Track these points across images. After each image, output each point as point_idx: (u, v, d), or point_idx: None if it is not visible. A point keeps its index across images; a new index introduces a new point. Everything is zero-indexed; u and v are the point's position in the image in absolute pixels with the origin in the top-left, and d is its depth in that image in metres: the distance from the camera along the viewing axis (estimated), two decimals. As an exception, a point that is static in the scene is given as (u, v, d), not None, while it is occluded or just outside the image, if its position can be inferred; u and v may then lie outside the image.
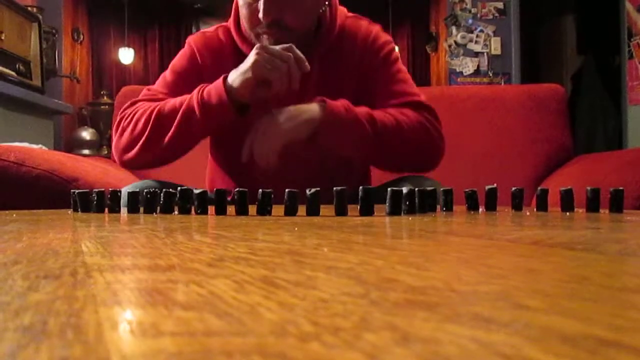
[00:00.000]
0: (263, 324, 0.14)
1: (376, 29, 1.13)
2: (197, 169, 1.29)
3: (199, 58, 1.10)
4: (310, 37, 1.06)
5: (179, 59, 1.12)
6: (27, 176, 1.15)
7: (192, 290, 0.18)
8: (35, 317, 0.14)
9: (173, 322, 0.14)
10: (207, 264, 0.24)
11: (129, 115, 1.03)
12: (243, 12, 1.02)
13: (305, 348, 0.12)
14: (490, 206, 0.71)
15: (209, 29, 1.15)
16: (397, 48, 1.20)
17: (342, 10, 1.12)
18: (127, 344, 0.12)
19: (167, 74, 1.11)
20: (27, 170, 1.15)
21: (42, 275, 0.21)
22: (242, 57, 1.02)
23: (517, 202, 0.73)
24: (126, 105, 1.07)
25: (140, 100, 1.06)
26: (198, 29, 4.54)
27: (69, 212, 0.73)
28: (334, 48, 1.08)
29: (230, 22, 1.10)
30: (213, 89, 0.95)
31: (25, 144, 1.61)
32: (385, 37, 1.14)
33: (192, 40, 1.13)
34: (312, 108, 0.95)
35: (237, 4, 1.07)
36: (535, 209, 0.74)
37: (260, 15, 0.97)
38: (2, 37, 2.68)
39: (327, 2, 1.06)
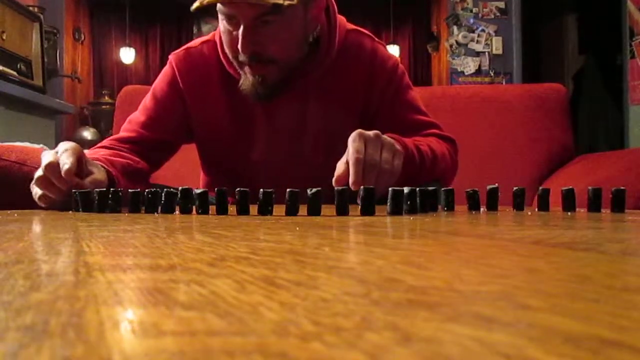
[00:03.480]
0: (264, 323, 0.14)
1: (381, 48, 1.07)
2: (195, 174, 1.29)
3: (180, 82, 1.04)
4: (304, 60, 0.99)
5: (160, 82, 1.07)
6: (29, 176, 1.15)
7: (194, 290, 0.18)
8: (36, 317, 0.14)
9: (174, 321, 0.14)
10: (209, 264, 0.24)
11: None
12: (224, 38, 0.95)
13: (307, 348, 0.12)
14: (492, 206, 0.71)
15: (194, 43, 1.08)
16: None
17: (341, 22, 1.04)
18: (129, 343, 0.12)
19: (147, 100, 1.07)
20: (29, 170, 1.15)
21: (43, 275, 0.21)
22: (228, 77, 1.00)
23: (519, 202, 0.73)
24: (109, 139, 1.07)
25: (110, 138, 1.06)
26: (199, 29, 4.55)
27: (70, 212, 0.73)
28: (334, 67, 1.02)
29: (217, 39, 1.03)
30: None
31: (27, 144, 1.61)
32: (393, 59, 1.08)
33: (174, 60, 1.06)
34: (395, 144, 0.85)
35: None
36: (536, 209, 0.73)
37: (239, 47, 0.90)
38: (4, 37, 2.68)
39: (318, 27, 0.98)
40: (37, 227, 0.44)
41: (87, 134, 3.97)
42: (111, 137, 1.07)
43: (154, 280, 0.20)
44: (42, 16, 3.13)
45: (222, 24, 0.93)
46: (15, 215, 0.64)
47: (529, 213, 0.67)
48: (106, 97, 4.24)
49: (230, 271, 0.22)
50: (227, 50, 0.96)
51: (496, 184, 0.72)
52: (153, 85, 1.09)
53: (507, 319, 0.14)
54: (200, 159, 1.17)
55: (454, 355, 0.11)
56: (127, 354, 0.11)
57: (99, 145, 1.04)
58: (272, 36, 0.90)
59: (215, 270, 0.22)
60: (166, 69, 1.08)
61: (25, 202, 1.06)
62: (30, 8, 3.13)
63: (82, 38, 4.30)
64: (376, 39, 1.09)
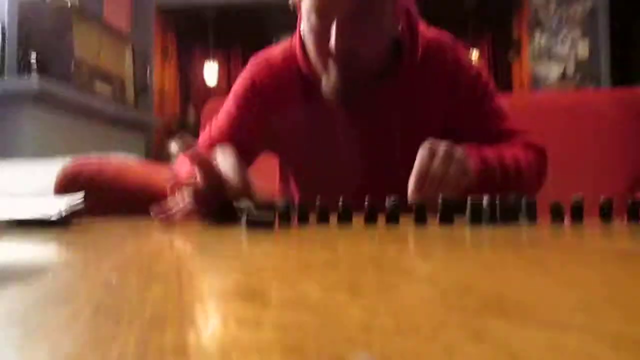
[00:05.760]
0: (350, 321, 0.15)
1: (465, 55, 1.05)
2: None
3: (260, 88, 1.04)
4: (387, 66, 0.98)
5: (240, 87, 1.07)
6: (124, 189, 1.24)
7: (284, 291, 0.20)
8: (154, 310, 0.17)
9: (270, 316, 0.16)
10: (295, 269, 0.26)
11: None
12: (310, 38, 0.93)
13: (389, 342, 0.13)
14: (577, 217, 0.68)
15: (272, 50, 1.08)
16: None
17: (422, 29, 1.02)
18: (234, 333, 0.14)
19: (229, 104, 1.07)
20: (124, 185, 1.24)
21: (152, 276, 0.24)
22: (307, 83, 1.00)
23: (606, 214, 0.70)
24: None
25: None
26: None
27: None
28: (417, 73, 0.99)
29: (295, 45, 1.02)
30: None
31: (121, 156, 1.72)
32: (476, 67, 1.05)
33: (253, 67, 1.06)
34: (466, 156, 0.84)
35: (300, 26, 0.98)
36: (625, 221, 0.70)
37: (332, 43, 0.88)
38: (101, 58, 2.90)
39: (400, 27, 0.97)
40: (137, 234, 0.48)
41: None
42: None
43: (248, 282, 0.22)
44: (134, 38, 3.36)
45: (310, 22, 0.92)
46: (116, 223, 0.70)
47: (617, 225, 0.65)
48: (191, 112, 4.46)
49: (315, 276, 0.23)
50: (312, 50, 0.95)
51: (581, 195, 0.69)
52: (233, 92, 1.09)
53: (580, 325, 0.15)
54: (280, 169, 1.19)
55: (523, 354, 0.12)
56: (233, 341, 0.13)
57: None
58: (364, 32, 0.89)
59: (302, 275, 0.24)
60: (245, 78, 1.08)
61: (122, 211, 1.14)
62: (124, 31, 3.36)
63: (170, 56, 4.57)
64: (459, 44, 1.07)
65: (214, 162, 0.68)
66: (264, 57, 1.08)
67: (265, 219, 0.44)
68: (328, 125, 1.03)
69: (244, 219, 0.44)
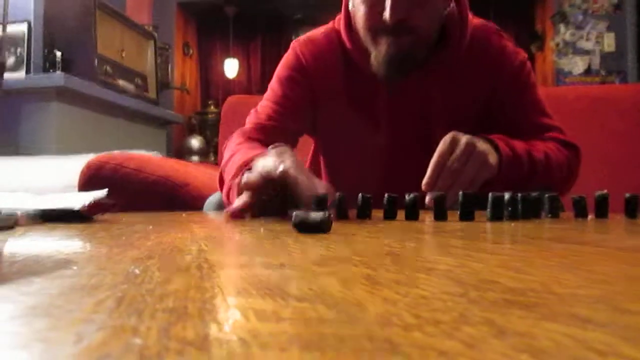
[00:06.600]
0: (369, 315, 0.15)
1: (509, 44, 1.03)
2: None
3: (306, 67, 1.05)
4: (432, 44, 0.97)
5: (284, 68, 1.07)
6: (145, 181, 1.25)
7: (303, 285, 0.20)
8: (176, 302, 0.17)
9: (290, 310, 0.16)
10: (314, 263, 0.26)
11: (225, 149, 0.97)
12: (361, 10, 0.94)
13: (409, 336, 0.13)
14: (601, 213, 0.67)
15: (315, 31, 1.09)
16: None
17: (471, 16, 1.01)
18: (255, 326, 0.14)
19: (274, 86, 1.07)
20: (145, 177, 1.26)
21: (174, 269, 0.24)
22: (350, 62, 1.00)
23: (631, 209, 0.68)
24: (236, 132, 1.02)
25: (243, 131, 1.01)
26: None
27: (183, 214, 0.79)
28: (462, 60, 0.99)
29: (340, 24, 1.03)
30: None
31: (143, 152, 1.75)
32: (522, 55, 1.04)
33: (297, 46, 1.07)
34: (493, 151, 0.84)
35: (347, 2, 1.00)
36: (651, 217, 0.69)
37: (387, 14, 0.88)
38: (123, 55, 2.93)
39: (451, 5, 0.97)
40: (159, 228, 0.49)
41: (195, 142, 4.23)
42: (245, 130, 1.02)
43: (268, 276, 0.22)
44: (155, 34, 3.39)
45: None
46: (138, 217, 0.71)
47: (643, 221, 0.63)
48: (212, 107, 4.49)
49: (334, 270, 0.24)
50: (362, 23, 0.95)
51: (605, 190, 0.68)
52: (276, 75, 1.08)
53: (603, 320, 0.14)
54: (319, 151, 1.16)
55: (546, 349, 0.12)
56: (253, 334, 0.13)
57: (239, 142, 0.97)
58: (419, 4, 0.90)
59: (320, 269, 0.24)
60: (289, 57, 1.08)
61: (143, 205, 1.16)
62: (146, 27, 3.39)
63: (190, 52, 4.59)
64: (504, 34, 1.06)
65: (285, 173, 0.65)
66: (307, 36, 1.09)
67: (315, 222, 0.43)
68: (369, 104, 1.03)
69: (293, 221, 0.44)
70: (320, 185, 0.66)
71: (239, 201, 0.67)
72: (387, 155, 1.04)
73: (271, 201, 0.68)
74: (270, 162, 0.67)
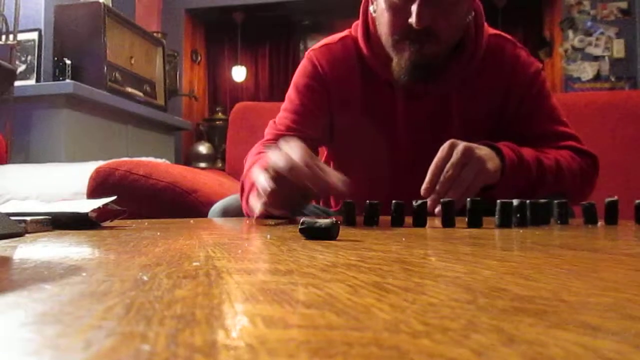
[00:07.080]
0: (377, 322, 0.15)
1: (523, 54, 1.04)
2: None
3: (323, 76, 1.04)
4: (450, 52, 0.98)
5: (301, 77, 1.07)
6: (154, 188, 1.26)
7: (311, 292, 0.20)
8: (184, 309, 0.17)
9: (298, 317, 0.16)
10: (322, 270, 0.26)
11: (245, 162, 0.97)
12: (384, 16, 0.94)
13: (417, 343, 0.13)
14: (611, 219, 0.67)
15: (331, 39, 1.09)
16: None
17: (486, 25, 1.02)
18: (263, 333, 0.14)
19: (291, 96, 1.06)
20: (154, 183, 1.26)
21: (181, 276, 0.24)
22: (367, 69, 1.00)
23: (642, 216, 0.68)
24: (256, 145, 1.02)
25: (263, 143, 1.01)
26: (305, 46, 4.70)
27: (191, 221, 0.79)
28: (477, 69, 1.00)
29: (358, 31, 1.03)
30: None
31: (151, 159, 1.76)
32: (536, 64, 1.04)
33: (313, 54, 1.07)
34: (494, 156, 0.85)
35: (365, 9, 1.00)
36: (662, 224, 0.68)
37: (413, 20, 0.89)
38: (132, 62, 2.95)
39: (472, 14, 0.98)
40: (167, 235, 0.49)
41: (203, 148, 4.24)
42: (264, 141, 1.02)
43: (276, 282, 0.22)
44: (164, 41, 3.41)
45: (387, 1, 0.93)
46: (146, 223, 0.71)
47: (654, 228, 0.63)
48: (219, 114, 4.51)
49: (342, 276, 0.23)
50: (385, 29, 0.95)
51: (615, 197, 0.68)
52: (293, 84, 1.08)
53: (614, 328, 0.14)
54: (331, 157, 1.15)
55: (556, 357, 0.12)
56: (261, 340, 0.13)
57: (258, 151, 0.98)
58: (444, 11, 0.91)
59: (328, 276, 0.24)
60: (306, 66, 1.07)
61: (151, 212, 1.16)
62: (155, 34, 3.42)
63: (199, 59, 4.62)
64: (518, 43, 1.07)
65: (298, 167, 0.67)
66: (323, 44, 1.09)
67: (322, 229, 0.43)
68: (385, 111, 1.03)
69: (300, 227, 0.44)
70: (332, 175, 0.66)
71: (257, 204, 0.71)
72: (401, 162, 1.04)
73: (291, 195, 0.69)
74: (278, 157, 0.68)
